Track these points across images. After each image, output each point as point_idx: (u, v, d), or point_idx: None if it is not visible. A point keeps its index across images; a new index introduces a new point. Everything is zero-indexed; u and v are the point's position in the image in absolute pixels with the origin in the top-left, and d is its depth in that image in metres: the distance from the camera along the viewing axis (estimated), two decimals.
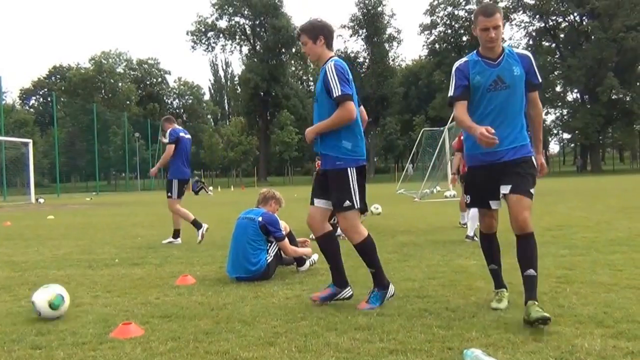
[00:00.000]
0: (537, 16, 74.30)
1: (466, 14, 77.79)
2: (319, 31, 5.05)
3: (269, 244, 6.51)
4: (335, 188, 4.93)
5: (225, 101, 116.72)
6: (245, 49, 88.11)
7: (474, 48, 4.93)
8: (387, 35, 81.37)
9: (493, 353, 3.58)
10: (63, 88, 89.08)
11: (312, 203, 5.12)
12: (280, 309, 4.98)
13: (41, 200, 33.93)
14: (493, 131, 4.18)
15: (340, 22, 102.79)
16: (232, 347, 3.92)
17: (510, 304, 4.78)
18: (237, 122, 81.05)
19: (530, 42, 75.11)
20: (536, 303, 4.15)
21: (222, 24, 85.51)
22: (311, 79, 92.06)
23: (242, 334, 4.22)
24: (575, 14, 72.71)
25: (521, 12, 73.25)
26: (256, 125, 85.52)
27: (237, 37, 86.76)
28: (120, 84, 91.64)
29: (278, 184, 64.43)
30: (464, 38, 78.31)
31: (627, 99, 69.08)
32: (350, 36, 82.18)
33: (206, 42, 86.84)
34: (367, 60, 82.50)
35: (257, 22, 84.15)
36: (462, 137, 10.54)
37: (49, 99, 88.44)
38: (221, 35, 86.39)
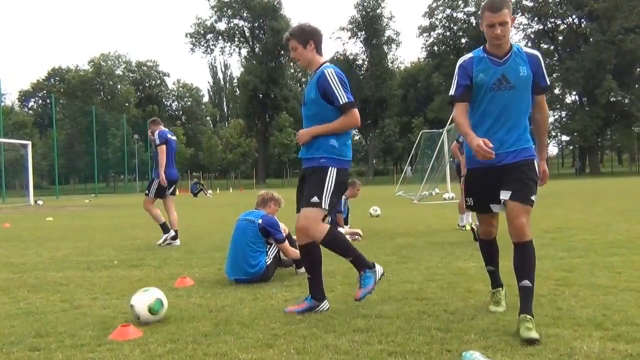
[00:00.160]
0: (536, 18, 74.44)
1: (465, 16, 77.97)
2: (309, 36, 4.98)
3: (268, 246, 6.51)
4: (310, 183, 4.86)
5: (224, 103, 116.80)
6: (244, 51, 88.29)
7: (472, 50, 4.68)
8: (385, 38, 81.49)
9: (492, 355, 3.58)
10: (62, 90, 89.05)
11: (298, 210, 5.04)
12: (279, 311, 4.97)
13: (40, 202, 33.90)
14: (491, 145, 4.04)
15: (339, 24, 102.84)
16: (231, 349, 3.92)
17: (508, 306, 4.77)
18: (236, 124, 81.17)
19: (529, 45, 75.19)
20: (528, 317, 3.99)
21: (221, 26, 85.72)
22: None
23: (240, 336, 4.22)
24: (574, 16, 72.86)
25: (519, 14, 73.28)
26: (255, 127, 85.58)
27: (236, 39, 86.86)
28: (119, 86, 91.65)
29: (277, 186, 64.42)
30: (463, 40, 78.43)
31: (626, 101, 69.20)
32: (349, 38, 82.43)
33: (205, 44, 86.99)
34: (365, 63, 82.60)
35: (256, 25, 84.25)
36: (460, 140, 10.55)
37: (48, 101, 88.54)
38: (220, 37, 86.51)
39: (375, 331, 4.23)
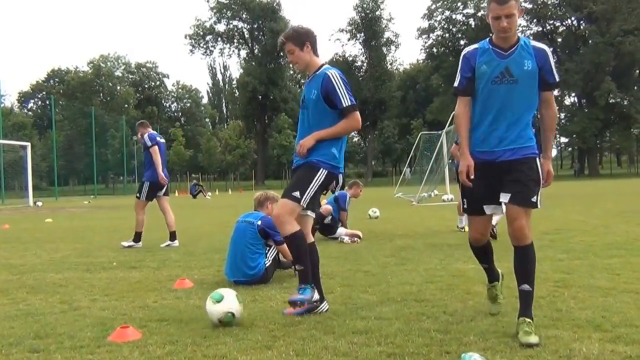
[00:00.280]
0: (535, 20, 74.51)
1: (464, 18, 78.05)
2: (305, 37, 4.93)
3: (268, 248, 6.51)
4: (298, 176, 4.84)
5: (223, 105, 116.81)
6: (243, 53, 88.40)
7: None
8: (385, 39, 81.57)
9: (491, 357, 3.58)
10: (61, 91, 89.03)
11: None
12: (278, 312, 4.97)
13: (39, 204, 33.89)
14: (472, 177, 4.14)
15: (338, 25, 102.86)
16: (230, 351, 3.92)
17: (508, 307, 4.77)
18: (235, 126, 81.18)
19: None
20: (527, 320, 3.96)
21: (221, 27, 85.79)
22: None
23: (239, 338, 4.21)
24: (573, 18, 72.99)
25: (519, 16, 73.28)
26: (254, 128, 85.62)
27: (236, 40, 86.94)
28: (118, 88, 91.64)
29: (276, 188, 64.35)
30: (462, 42, 78.40)
31: (625, 103, 69.31)
32: (348, 40, 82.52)
33: (204, 46, 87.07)
34: (365, 64, 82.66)
35: (256, 26, 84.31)
36: (459, 142, 10.53)
37: (47, 102, 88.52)
38: (219, 38, 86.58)
39: (374, 333, 4.23)
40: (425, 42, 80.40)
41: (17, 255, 9.58)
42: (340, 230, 10.56)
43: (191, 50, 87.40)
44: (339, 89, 4.76)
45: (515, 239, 4.12)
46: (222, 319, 4.52)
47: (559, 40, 76.85)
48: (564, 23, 75.69)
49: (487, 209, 4.31)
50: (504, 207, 4.17)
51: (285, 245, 6.50)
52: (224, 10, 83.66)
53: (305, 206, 4.78)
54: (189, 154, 79.13)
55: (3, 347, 4.14)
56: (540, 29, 75.50)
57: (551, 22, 75.66)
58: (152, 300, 5.68)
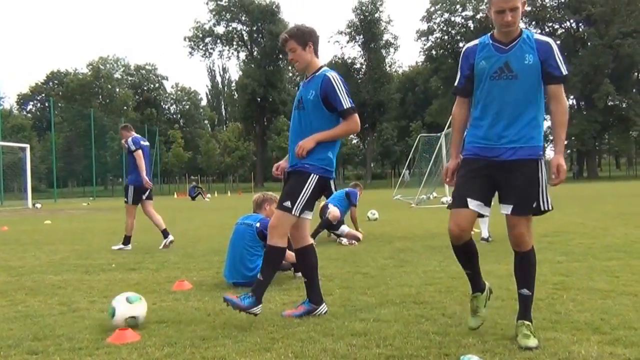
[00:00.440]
0: (534, 23, 74.57)
1: (463, 20, 78.08)
2: (308, 37, 4.89)
3: None
4: (289, 185, 4.84)
5: (222, 107, 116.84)
6: (242, 55, 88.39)
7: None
8: (384, 42, 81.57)
9: (490, 359, 3.58)
10: (60, 93, 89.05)
11: None
12: (277, 314, 4.97)
13: (38, 206, 33.89)
14: (450, 178, 4.20)
15: (337, 28, 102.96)
16: (229, 353, 3.92)
17: (507, 309, 4.78)
18: (234, 128, 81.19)
19: None
20: (525, 323, 3.96)
21: (220, 29, 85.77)
22: None
23: (238, 340, 4.21)
24: (572, 21, 73.06)
25: None
26: (253, 130, 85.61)
27: (235, 43, 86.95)
28: (117, 90, 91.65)
29: (275, 190, 64.20)
30: (461, 44, 78.45)
31: (623, 105, 69.34)
32: (347, 42, 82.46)
33: (204, 48, 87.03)
34: (364, 66, 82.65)
35: (255, 28, 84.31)
36: None
37: (46, 104, 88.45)
38: (219, 41, 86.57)
39: (373, 335, 4.23)
40: (424, 45, 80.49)
41: (16, 257, 9.58)
42: (343, 228, 10.58)
43: (190, 53, 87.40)
44: (340, 91, 4.74)
45: (516, 245, 4.07)
46: (128, 323, 4.60)
47: (558, 42, 76.80)
48: (562, 25, 75.78)
49: (471, 204, 4.01)
50: (503, 212, 4.04)
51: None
52: (223, 12, 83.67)
53: (298, 215, 4.74)
54: (188, 155, 79.16)
55: (2, 349, 4.14)
56: (539, 31, 75.49)
57: (550, 24, 75.72)
58: (151, 302, 5.67)
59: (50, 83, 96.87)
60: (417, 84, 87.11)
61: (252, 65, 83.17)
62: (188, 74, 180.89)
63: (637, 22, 65.43)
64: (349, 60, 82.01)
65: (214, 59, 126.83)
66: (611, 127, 72.79)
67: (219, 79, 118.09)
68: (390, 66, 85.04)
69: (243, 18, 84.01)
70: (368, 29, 79.17)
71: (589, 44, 69.27)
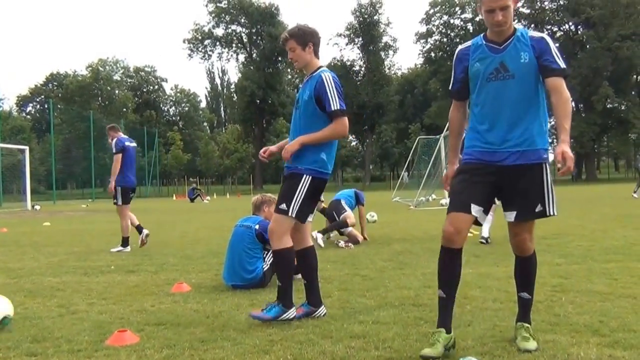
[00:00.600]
0: (533, 25, 74.59)
1: (462, 23, 78.20)
2: (309, 38, 4.90)
3: (266, 252, 6.50)
4: (283, 188, 4.85)
5: (222, 109, 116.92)
6: (241, 57, 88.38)
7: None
8: (383, 44, 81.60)
9: None
10: (60, 95, 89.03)
11: None
12: None
13: (37, 207, 33.86)
14: (450, 185, 4.06)
15: (336, 30, 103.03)
16: (228, 355, 3.92)
17: (506, 311, 4.78)
18: (233, 130, 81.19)
19: None
20: (525, 326, 3.97)
21: (219, 32, 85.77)
22: None
23: (237, 342, 4.21)
24: (571, 24, 73.12)
25: (516, 21, 73.04)
26: (252, 132, 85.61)
27: (234, 45, 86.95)
28: (117, 92, 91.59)
29: (274, 192, 63.97)
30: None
31: (622, 107, 69.36)
32: (347, 44, 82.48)
33: (203, 50, 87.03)
34: (363, 69, 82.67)
35: (254, 30, 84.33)
36: None
37: (45, 106, 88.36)
38: (218, 43, 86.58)
39: (372, 337, 4.23)
40: (423, 47, 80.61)
41: (15, 259, 9.58)
42: (347, 228, 10.60)
43: (189, 55, 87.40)
44: (330, 92, 4.72)
45: (518, 251, 4.05)
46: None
47: (557, 45, 76.62)
48: (561, 28, 75.84)
49: (473, 209, 3.86)
50: (506, 219, 3.97)
51: None
52: (223, 14, 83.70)
53: (294, 216, 4.74)
54: (187, 157, 79.14)
55: (1, 351, 4.14)
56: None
57: (549, 27, 75.75)
58: (150, 304, 5.68)
59: (50, 85, 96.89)
60: (416, 86, 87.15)
61: (252, 68, 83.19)
62: (187, 76, 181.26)
63: (635, 24, 65.54)
64: (348, 63, 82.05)
65: (213, 61, 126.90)
66: (610, 129, 72.84)
67: (218, 81, 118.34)
68: (389, 68, 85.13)
69: (242, 20, 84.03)
70: (367, 31, 79.20)
71: (587, 46, 69.31)
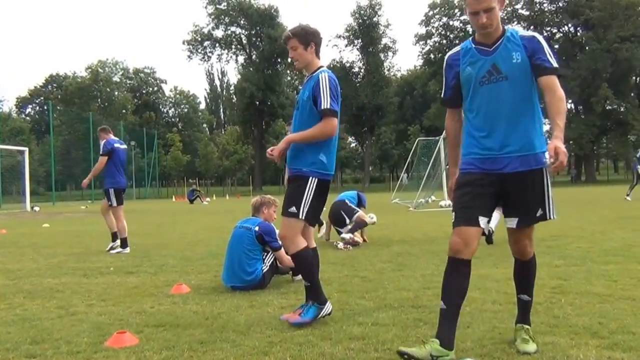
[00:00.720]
0: (532, 27, 74.64)
1: (461, 25, 78.19)
2: (311, 37, 4.91)
3: (265, 254, 6.51)
4: (289, 191, 4.85)
5: (221, 110, 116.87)
6: (241, 59, 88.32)
7: None
8: (382, 45, 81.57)
9: None
10: (59, 97, 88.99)
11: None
12: (275, 318, 4.97)
13: (36, 209, 33.83)
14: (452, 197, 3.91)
15: (335, 31, 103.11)
16: (227, 357, 3.92)
17: (505, 313, 4.78)
18: (233, 131, 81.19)
19: None
20: (525, 327, 3.98)
21: (219, 33, 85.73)
22: None
23: (236, 344, 4.21)
24: (570, 25, 73.17)
25: (516, 22, 73.57)
26: (251, 134, 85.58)
27: (233, 46, 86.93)
28: (116, 93, 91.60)
29: (273, 193, 63.97)
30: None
31: (622, 109, 69.36)
32: (346, 46, 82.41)
33: (202, 52, 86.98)
34: (362, 70, 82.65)
35: (253, 32, 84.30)
36: None
37: (45, 108, 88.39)
38: (217, 44, 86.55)
39: (371, 339, 4.23)
40: (423, 49, 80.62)
41: (14, 260, 9.58)
42: (350, 229, 10.65)
43: (189, 56, 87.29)
44: (324, 91, 4.72)
45: (519, 255, 4.03)
46: None
47: (556, 46, 76.90)
48: (560, 30, 75.89)
49: (482, 221, 3.75)
50: (506, 225, 3.94)
51: (282, 252, 6.53)
52: (222, 16, 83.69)
53: (304, 218, 4.77)
54: (187, 159, 79.13)
55: (0, 352, 4.13)
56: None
57: (548, 28, 75.82)
58: (149, 305, 5.68)
59: (49, 86, 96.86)
60: (416, 87, 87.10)
61: (251, 69, 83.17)
62: (187, 77, 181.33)
63: (635, 26, 65.56)
64: (348, 64, 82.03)
65: (212, 63, 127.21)
66: (609, 131, 72.82)
67: (217, 82, 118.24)
68: (388, 70, 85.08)
69: (242, 22, 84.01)
70: (366, 32, 79.20)
71: (587, 48, 69.33)
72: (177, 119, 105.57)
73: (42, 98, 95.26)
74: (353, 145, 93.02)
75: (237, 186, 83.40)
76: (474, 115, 3.84)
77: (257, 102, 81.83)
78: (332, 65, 78.84)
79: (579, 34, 72.42)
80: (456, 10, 77.10)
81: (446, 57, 4.03)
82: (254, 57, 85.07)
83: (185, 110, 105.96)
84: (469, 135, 3.89)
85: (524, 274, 4.06)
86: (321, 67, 4.97)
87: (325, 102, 4.70)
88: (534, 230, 3.98)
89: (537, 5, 73.24)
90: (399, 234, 12.40)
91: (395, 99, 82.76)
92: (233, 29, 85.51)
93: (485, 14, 3.65)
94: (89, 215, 26.32)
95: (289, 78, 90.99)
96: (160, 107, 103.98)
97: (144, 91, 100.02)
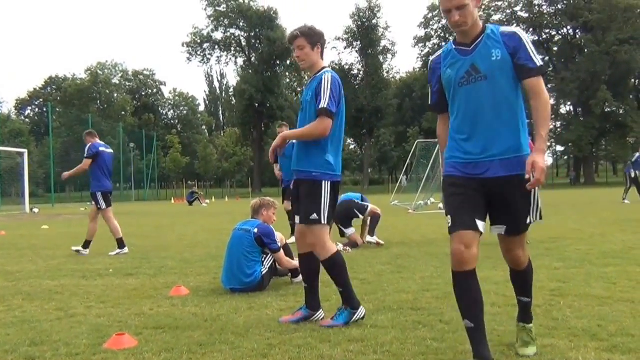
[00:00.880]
0: (531, 29, 74.76)
1: None
2: (318, 38, 4.91)
3: (264, 256, 6.50)
4: (305, 199, 4.81)
5: (220, 112, 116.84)
6: (240, 61, 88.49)
7: None
8: (381, 48, 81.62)
9: None
10: (59, 98, 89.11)
11: (292, 218, 5.04)
12: (274, 320, 4.97)
13: (36, 210, 33.81)
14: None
15: (334, 34, 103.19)
16: (226, 359, 3.92)
17: (504, 316, 4.78)
18: (232, 133, 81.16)
19: None
20: (527, 328, 3.90)
21: (218, 35, 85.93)
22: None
23: (235, 346, 4.21)
24: (569, 28, 73.32)
25: (515, 25, 73.55)
26: (251, 136, 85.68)
27: (233, 48, 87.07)
28: (115, 95, 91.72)
29: (273, 195, 64.13)
30: None
31: (621, 111, 69.54)
32: (345, 48, 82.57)
33: (202, 54, 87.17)
34: (361, 72, 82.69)
35: (253, 34, 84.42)
36: None
37: (44, 109, 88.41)
38: (217, 46, 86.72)
39: (370, 341, 4.23)
40: (422, 51, 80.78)
41: (13, 262, 9.57)
42: (351, 230, 10.68)
43: (188, 58, 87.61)
44: (324, 90, 4.71)
45: (512, 264, 3.90)
46: None
47: (555, 49, 77.17)
48: (560, 32, 76.02)
49: (479, 224, 3.52)
50: (492, 232, 3.72)
51: (281, 254, 6.54)
52: (222, 18, 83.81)
53: (327, 222, 4.78)
54: (186, 161, 79.14)
55: None
56: (537, 38, 75.74)
57: (547, 31, 75.99)
58: (148, 307, 5.67)
59: (49, 88, 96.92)
60: (415, 90, 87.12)
61: (250, 71, 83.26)
62: (186, 79, 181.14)
63: (634, 28, 65.71)
64: (347, 67, 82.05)
65: (212, 65, 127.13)
66: (608, 133, 72.93)
67: (216, 84, 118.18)
68: (387, 72, 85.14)
69: (241, 24, 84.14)
70: (365, 35, 79.24)
71: (586, 50, 69.49)
72: (177, 121, 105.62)
73: (41, 100, 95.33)
74: (352, 147, 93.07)
75: (236, 188, 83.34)
76: (454, 118, 3.69)
77: (257, 104, 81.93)
78: (331, 68, 78.60)
79: (578, 36, 72.59)
80: None
81: (429, 62, 3.90)
82: (253, 59, 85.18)
83: (185, 112, 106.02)
84: (451, 139, 3.73)
85: (521, 280, 3.97)
86: (325, 67, 4.97)
87: (324, 102, 4.69)
88: (525, 237, 3.82)
89: (536, 7, 73.40)
90: (398, 236, 12.40)
91: (395, 101, 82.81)
92: (232, 31, 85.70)
93: (458, 12, 3.48)
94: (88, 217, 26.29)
95: (288, 80, 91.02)
96: (160, 109, 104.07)
97: (143, 93, 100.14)
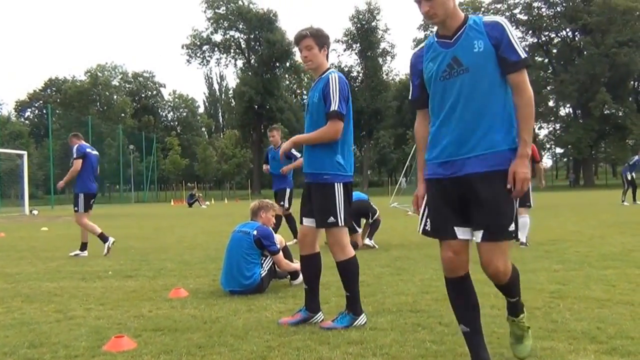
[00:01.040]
0: (530, 32, 74.86)
1: None
2: (325, 40, 4.91)
3: (263, 258, 6.50)
4: (320, 203, 4.80)
5: (220, 114, 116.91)
6: (239, 63, 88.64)
7: None
8: (380, 50, 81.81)
9: None
10: (58, 100, 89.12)
11: (301, 222, 5.04)
12: (273, 322, 4.96)
13: (35, 212, 33.80)
14: (418, 205, 3.63)
15: (334, 36, 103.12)
16: None
17: (503, 319, 4.77)
18: (231, 135, 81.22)
19: None
20: (515, 320, 3.73)
21: (217, 37, 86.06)
22: (305, 92, 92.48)
23: (234, 348, 4.21)
24: (568, 30, 73.38)
25: (514, 27, 73.76)
26: (250, 138, 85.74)
27: (232, 50, 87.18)
28: (115, 97, 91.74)
29: (272, 197, 64.06)
30: None
31: (620, 114, 69.61)
32: (344, 50, 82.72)
33: (201, 56, 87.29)
34: (360, 74, 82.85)
35: (252, 36, 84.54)
36: None
37: (44, 111, 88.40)
38: (216, 49, 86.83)
39: (370, 343, 4.22)
40: None
41: (13, 264, 9.56)
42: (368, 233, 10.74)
43: (188, 60, 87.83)
44: (333, 92, 4.71)
45: (492, 278, 3.50)
46: None
47: (554, 51, 77.22)
48: (559, 34, 76.08)
49: (459, 232, 3.39)
50: (475, 240, 3.42)
51: (280, 256, 6.53)
52: (221, 20, 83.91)
53: (344, 224, 4.78)
54: (185, 163, 79.15)
55: None
56: (536, 40, 75.87)
57: (546, 33, 76.04)
58: (147, 309, 5.67)
59: (48, 90, 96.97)
60: None
61: (250, 73, 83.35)
62: (185, 81, 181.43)
63: (633, 31, 65.82)
64: (346, 69, 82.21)
65: (211, 67, 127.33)
66: (607, 135, 72.98)
67: (216, 86, 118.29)
68: (387, 74, 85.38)
69: (241, 26, 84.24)
70: (365, 37, 79.37)
71: (585, 52, 69.57)
72: (176, 123, 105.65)
73: (41, 102, 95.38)
74: (352, 148, 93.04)
75: (235, 190, 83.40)
76: (435, 116, 3.48)
77: (256, 106, 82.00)
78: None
79: (577, 38, 72.68)
80: None
81: (411, 56, 3.67)
82: (252, 61, 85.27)
83: (184, 114, 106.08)
84: (431, 139, 3.52)
85: (505, 290, 3.65)
86: (329, 68, 4.97)
87: (334, 104, 4.68)
88: (507, 249, 3.44)
89: (535, 10, 73.41)
90: (397, 238, 12.40)
91: (394, 103, 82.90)
92: (232, 33, 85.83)
93: (428, 3, 3.31)
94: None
95: (287, 82, 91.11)
96: (159, 110, 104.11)
97: (142, 95, 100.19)
